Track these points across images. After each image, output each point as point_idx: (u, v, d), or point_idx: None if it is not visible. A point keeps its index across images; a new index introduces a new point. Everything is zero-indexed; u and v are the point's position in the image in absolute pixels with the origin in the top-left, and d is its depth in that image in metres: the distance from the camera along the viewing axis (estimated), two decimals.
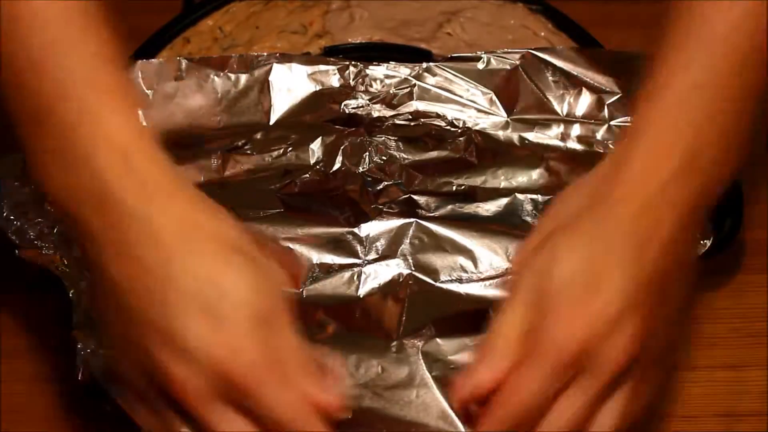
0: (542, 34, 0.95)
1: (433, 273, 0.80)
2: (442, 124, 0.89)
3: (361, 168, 0.86)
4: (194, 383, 0.64)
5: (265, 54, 0.90)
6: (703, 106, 0.67)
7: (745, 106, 0.68)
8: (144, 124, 0.67)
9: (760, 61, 0.68)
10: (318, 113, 0.89)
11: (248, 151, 0.87)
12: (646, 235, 0.66)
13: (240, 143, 0.87)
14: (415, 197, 0.85)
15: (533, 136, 0.88)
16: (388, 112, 0.89)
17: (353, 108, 0.89)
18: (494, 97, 0.89)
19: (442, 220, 0.83)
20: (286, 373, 0.65)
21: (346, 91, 0.90)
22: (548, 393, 0.64)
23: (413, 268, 0.81)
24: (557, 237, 0.67)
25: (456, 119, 0.89)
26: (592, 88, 0.89)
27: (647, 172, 0.66)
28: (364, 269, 0.81)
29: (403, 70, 0.90)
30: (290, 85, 0.90)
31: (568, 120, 0.89)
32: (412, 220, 0.83)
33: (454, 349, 0.77)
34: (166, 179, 0.66)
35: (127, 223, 0.65)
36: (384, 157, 0.87)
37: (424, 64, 0.90)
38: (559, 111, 0.89)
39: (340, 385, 0.68)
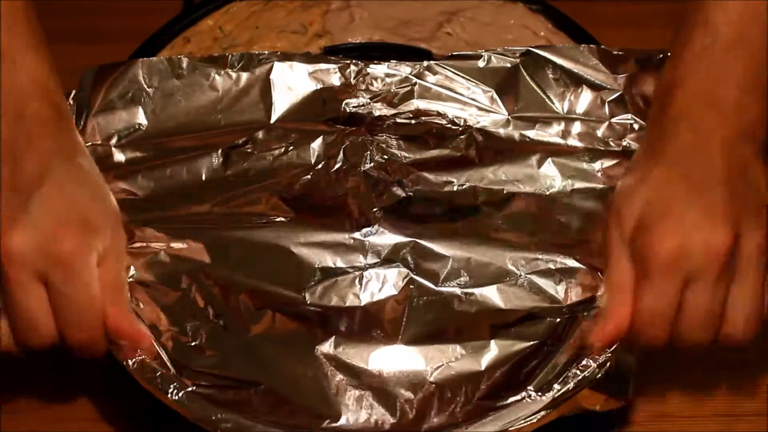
0: (542, 33, 0.95)
1: (434, 277, 0.80)
2: (443, 122, 0.89)
3: (362, 167, 0.86)
4: (21, 253, 0.73)
5: (266, 52, 0.90)
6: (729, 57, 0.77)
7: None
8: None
9: None
10: (319, 112, 0.89)
11: (249, 150, 0.87)
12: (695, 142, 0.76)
13: (241, 142, 0.87)
14: (417, 197, 0.85)
15: (534, 134, 0.88)
16: (389, 111, 0.89)
17: (354, 107, 0.89)
18: (495, 95, 0.89)
19: (443, 223, 0.83)
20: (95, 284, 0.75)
21: (347, 89, 0.90)
22: (668, 296, 0.74)
23: (414, 272, 0.80)
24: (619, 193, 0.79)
25: (457, 117, 0.89)
26: (593, 86, 0.89)
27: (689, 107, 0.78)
28: (365, 273, 0.80)
29: (404, 69, 0.90)
30: (291, 84, 0.90)
31: (569, 117, 0.89)
32: (413, 222, 0.83)
33: (455, 352, 0.78)
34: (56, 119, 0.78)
35: (26, 136, 0.76)
36: (385, 156, 0.87)
37: (425, 63, 0.90)
38: (559, 109, 0.89)
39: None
